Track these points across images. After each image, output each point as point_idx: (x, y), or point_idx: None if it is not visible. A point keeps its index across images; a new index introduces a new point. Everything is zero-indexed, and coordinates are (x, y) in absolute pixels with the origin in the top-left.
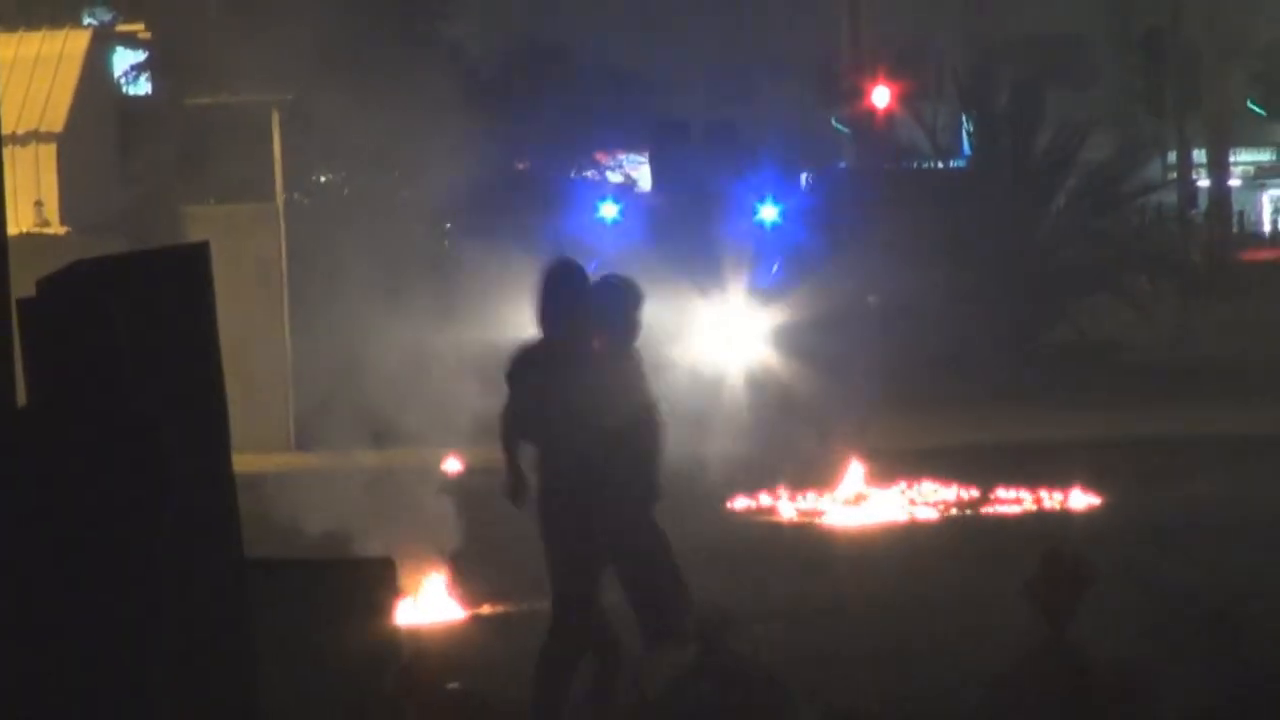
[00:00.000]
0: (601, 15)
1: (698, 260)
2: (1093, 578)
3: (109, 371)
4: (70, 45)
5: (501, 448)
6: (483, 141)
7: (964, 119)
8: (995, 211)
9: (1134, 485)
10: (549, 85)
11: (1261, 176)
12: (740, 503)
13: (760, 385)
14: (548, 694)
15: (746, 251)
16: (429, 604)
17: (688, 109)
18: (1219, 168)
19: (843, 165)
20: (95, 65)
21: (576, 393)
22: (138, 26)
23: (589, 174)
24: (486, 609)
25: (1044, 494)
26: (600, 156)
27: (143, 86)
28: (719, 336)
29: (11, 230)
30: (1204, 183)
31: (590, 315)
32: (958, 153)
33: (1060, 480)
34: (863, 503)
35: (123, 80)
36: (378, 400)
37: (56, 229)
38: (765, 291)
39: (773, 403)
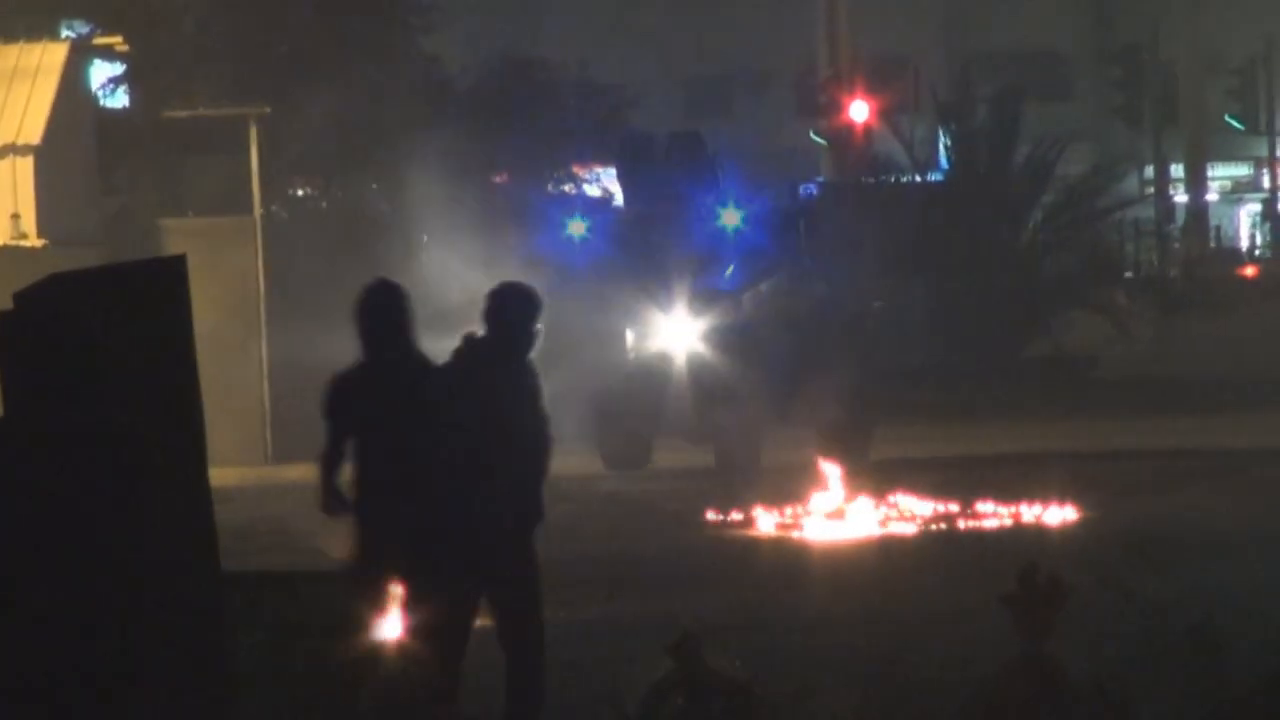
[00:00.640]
0: (580, 29)
1: (661, 270)
2: (1069, 592)
3: (85, 385)
4: (48, 58)
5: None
6: (459, 155)
7: (942, 133)
8: (973, 225)
9: (1112, 499)
10: (526, 98)
11: (1239, 191)
12: (716, 516)
13: (708, 381)
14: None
15: (707, 257)
16: (407, 618)
17: (667, 122)
18: (1196, 183)
19: (820, 180)
20: (73, 78)
21: (428, 408)
22: (115, 39)
23: (566, 187)
24: None
25: (1023, 508)
26: (578, 169)
27: (120, 99)
28: (670, 338)
29: None
30: (1181, 198)
31: (408, 333)
32: (936, 166)
33: (1039, 494)
34: (840, 516)
35: (100, 93)
36: None
37: (33, 242)
38: (719, 294)
39: (730, 401)
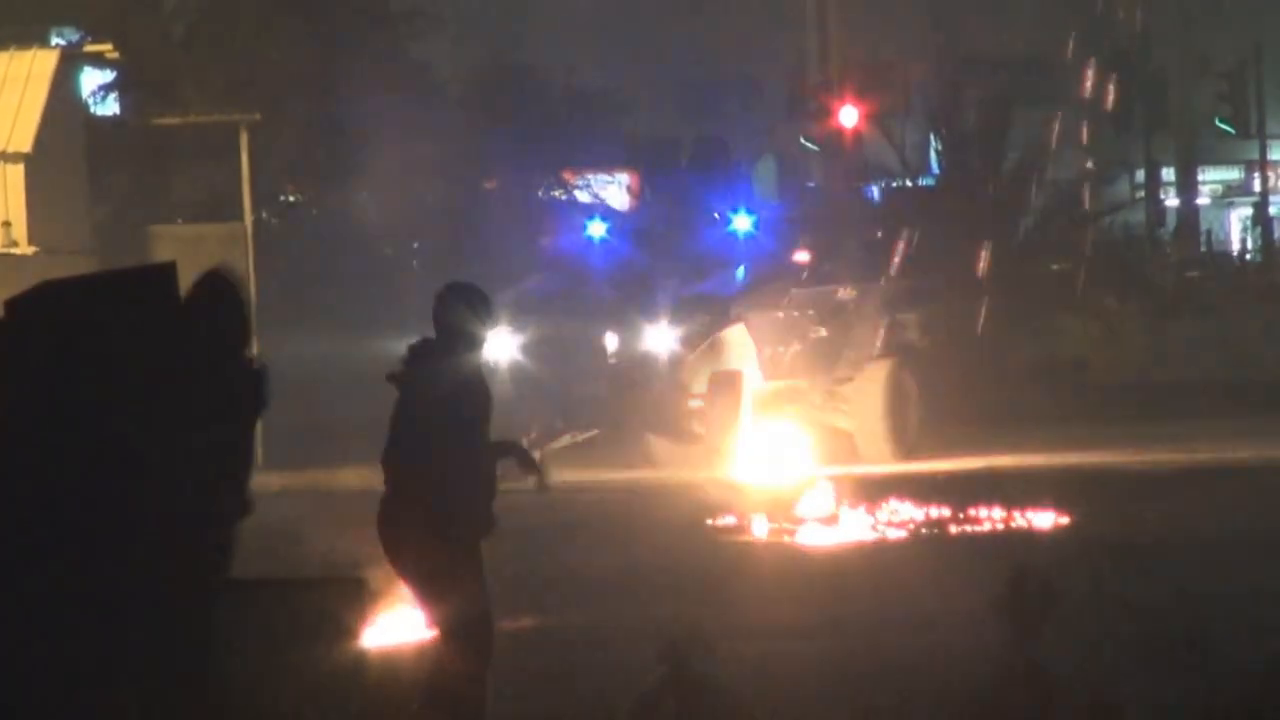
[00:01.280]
0: (570, 35)
1: (678, 272)
2: (1060, 597)
3: (76, 391)
4: (38, 65)
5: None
6: (450, 160)
7: (932, 137)
8: (963, 230)
9: (1102, 504)
10: (517, 104)
11: (1230, 195)
12: (713, 521)
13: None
14: None
15: (720, 261)
16: (399, 624)
17: (654, 128)
18: (1187, 187)
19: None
20: (63, 85)
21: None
22: (105, 47)
23: (556, 193)
24: None
25: (1014, 513)
26: (568, 175)
27: (110, 106)
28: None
29: None
30: (1172, 202)
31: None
32: (926, 171)
33: (1030, 500)
34: (834, 522)
35: (91, 100)
36: (346, 419)
37: (24, 249)
38: (727, 298)
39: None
